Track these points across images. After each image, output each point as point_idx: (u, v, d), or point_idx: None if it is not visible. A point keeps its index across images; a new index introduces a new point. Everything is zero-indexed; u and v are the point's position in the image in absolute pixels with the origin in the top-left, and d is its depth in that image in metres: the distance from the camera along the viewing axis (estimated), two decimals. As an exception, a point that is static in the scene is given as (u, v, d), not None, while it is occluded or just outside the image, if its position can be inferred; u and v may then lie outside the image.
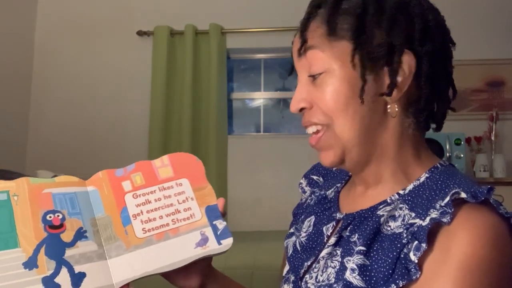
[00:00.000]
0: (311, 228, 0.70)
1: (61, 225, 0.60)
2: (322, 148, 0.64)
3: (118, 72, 3.23)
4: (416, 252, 0.51)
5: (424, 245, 0.51)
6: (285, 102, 3.40)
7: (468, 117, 2.99)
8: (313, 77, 0.62)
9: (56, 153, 3.12)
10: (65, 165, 2.95)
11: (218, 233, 0.65)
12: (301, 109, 0.64)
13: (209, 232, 0.65)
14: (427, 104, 0.62)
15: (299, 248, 0.70)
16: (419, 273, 0.51)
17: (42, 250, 0.58)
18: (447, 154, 2.70)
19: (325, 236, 0.66)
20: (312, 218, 0.72)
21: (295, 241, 0.72)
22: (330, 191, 0.74)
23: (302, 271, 0.67)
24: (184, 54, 3.13)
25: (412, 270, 0.51)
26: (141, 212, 0.65)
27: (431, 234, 0.52)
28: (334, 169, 0.79)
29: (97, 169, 0.70)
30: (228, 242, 0.64)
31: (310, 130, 0.64)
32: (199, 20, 3.17)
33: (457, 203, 0.53)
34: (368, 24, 0.60)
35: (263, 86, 3.40)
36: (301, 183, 0.82)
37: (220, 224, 0.66)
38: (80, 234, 0.61)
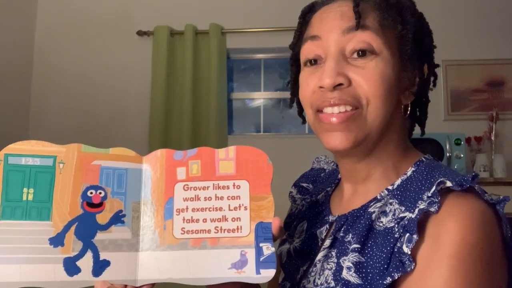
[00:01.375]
0: (304, 233, 0.70)
1: (100, 204, 0.57)
2: (345, 128, 0.60)
3: (118, 72, 3.23)
4: (409, 244, 0.52)
5: (415, 236, 0.52)
6: (285, 102, 3.40)
7: (468, 117, 2.98)
8: (359, 54, 0.60)
9: (56, 153, 3.12)
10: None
11: (261, 259, 0.56)
12: (337, 86, 0.60)
13: (251, 254, 0.56)
14: (422, 106, 0.69)
15: (293, 254, 0.70)
16: (413, 264, 0.52)
17: (73, 228, 0.55)
18: (447, 154, 2.70)
19: (319, 239, 0.66)
20: (305, 223, 0.72)
21: (289, 248, 0.71)
22: (320, 195, 0.74)
23: (298, 276, 0.66)
24: (184, 54, 3.13)
25: (406, 262, 0.52)
26: (186, 208, 0.59)
27: (421, 225, 0.53)
28: (322, 174, 0.80)
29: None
30: (268, 274, 0.55)
31: (338, 109, 0.60)
32: (199, 20, 3.17)
33: (443, 192, 0.54)
34: (411, 26, 0.63)
35: (263, 86, 3.40)
36: (291, 192, 0.81)
37: (267, 249, 0.56)
38: (117, 218, 0.57)
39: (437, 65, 0.70)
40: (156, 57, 3.14)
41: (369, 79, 0.59)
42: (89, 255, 0.55)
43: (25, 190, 0.55)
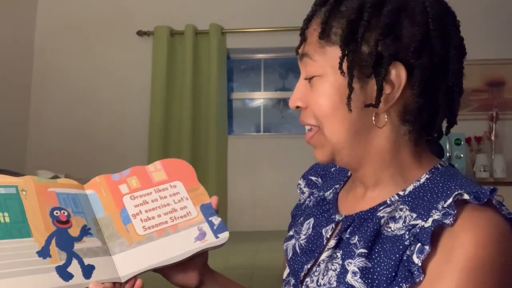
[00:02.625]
0: (310, 230, 0.70)
1: (67, 221, 0.63)
2: (314, 145, 0.66)
3: (118, 72, 3.23)
4: (420, 255, 0.51)
5: (427, 247, 0.51)
6: (285, 102, 3.40)
7: (468, 117, 2.98)
8: (309, 80, 0.63)
9: (56, 153, 3.12)
10: (65, 165, 2.95)
11: (215, 228, 0.69)
12: (297, 107, 0.66)
13: (206, 227, 0.69)
14: (421, 115, 0.60)
15: (298, 251, 0.70)
16: (422, 275, 0.51)
17: (53, 242, 0.60)
18: (447, 154, 2.70)
19: (324, 238, 0.66)
20: (311, 220, 0.71)
21: (295, 244, 0.71)
22: (328, 192, 0.74)
23: (302, 274, 0.66)
24: (184, 54, 3.13)
25: (415, 272, 0.51)
26: (140, 211, 0.69)
27: (433, 236, 0.52)
28: (332, 169, 0.79)
29: (98, 169, 0.71)
30: (225, 235, 0.69)
31: (307, 128, 0.66)
32: (199, 20, 3.17)
33: (460, 204, 0.53)
34: (360, 31, 0.57)
35: (263, 86, 3.40)
36: (299, 184, 0.81)
37: (216, 220, 0.70)
38: (85, 231, 0.64)
39: (433, 61, 0.59)
40: (156, 57, 3.14)
41: (314, 102, 0.62)
42: (75, 262, 0.60)
43: (0, 214, 0.59)
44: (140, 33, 3.22)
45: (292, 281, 0.68)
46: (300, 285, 0.66)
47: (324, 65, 0.60)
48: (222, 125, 3.10)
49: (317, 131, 0.64)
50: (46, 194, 0.64)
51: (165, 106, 3.08)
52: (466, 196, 0.52)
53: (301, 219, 0.74)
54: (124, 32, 3.25)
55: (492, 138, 2.88)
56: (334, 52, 0.59)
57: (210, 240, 0.68)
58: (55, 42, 3.28)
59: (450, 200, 0.53)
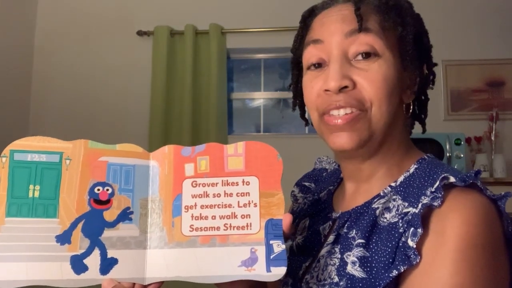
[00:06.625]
0: (306, 229, 0.71)
1: (107, 201, 0.56)
2: (349, 129, 0.61)
3: (118, 72, 3.23)
4: (414, 238, 0.52)
5: (419, 230, 0.52)
6: (285, 102, 3.40)
7: (468, 117, 2.98)
8: (363, 56, 0.61)
9: (56, 153, 3.12)
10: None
11: (272, 256, 0.55)
12: (342, 88, 0.60)
13: (261, 252, 0.55)
14: (421, 108, 0.70)
15: (296, 251, 0.70)
16: (419, 257, 0.52)
17: (80, 226, 0.54)
18: (447, 154, 2.70)
19: (322, 235, 0.67)
20: (307, 220, 0.72)
21: (292, 244, 0.72)
22: (323, 193, 0.75)
23: (301, 272, 0.67)
24: (184, 54, 3.13)
25: (411, 255, 0.52)
26: (195, 205, 0.58)
27: (425, 219, 0.54)
28: (324, 174, 0.81)
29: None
30: (279, 271, 0.54)
31: (344, 111, 0.61)
32: (199, 20, 3.17)
33: (447, 187, 0.55)
34: (410, 27, 0.64)
35: (263, 86, 3.40)
36: (293, 191, 0.82)
37: (278, 246, 0.55)
38: (125, 215, 0.56)
39: (436, 64, 0.71)
40: (156, 57, 3.14)
41: (372, 82, 0.60)
42: (96, 252, 0.54)
43: (31, 187, 0.54)
44: (140, 33, 3.22)
45: (290, 281, 0.69)
46: (299, 283, 0.66)
47: (385, 46, 0.62)
48: (222, 125, 3.10)
49: (359, 114, 0.61)
50: (94, 165, 0.57)
51: (165, 106, 3.08)
52: (452, 179, 0.54)
53: (296, 221, 0.75)
54: (124, 32, 3.25)
55: (492, 138, 2.88)
56: (393, 38, 0.63)
57: (259, 271, 0.54)
58: (55, 42, 3.28)
59: (437, 183, 0.55)
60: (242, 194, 0.58)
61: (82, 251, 0.53)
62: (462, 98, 3.02)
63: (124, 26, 3.25)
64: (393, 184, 0.63)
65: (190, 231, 0.57)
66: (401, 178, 0.63)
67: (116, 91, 3.22)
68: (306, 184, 0.81)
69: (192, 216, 0.57)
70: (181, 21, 3.16)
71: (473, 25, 3.06)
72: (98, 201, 0.56)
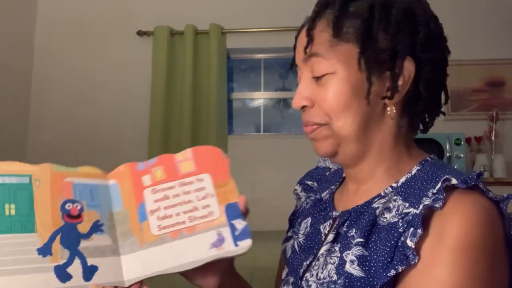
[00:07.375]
0: (308, 228, 0.71)
1: (78, 216, 0.60)
2: (316, 139, 0.66)
3: (118, 72, 3.23)
4: (413, 238, 0.53)
5: (419, 230, 0.52)
6: (285, 102, 3.40)
7: (468, 117, 2.99)
8: (317, 78, 0.64)
9: (56, 153, 3.12)
10: (65, 165, 2.94)
11: (236, 233, 0.61)
12: (303, 107, 0.66)
13: (226, 232, 0.61)
14: (425, 107, 0.66)
15: (297, 249, 0.71)
16: (417, 258, 0.52)
17: (58, 238, 0.57)
18: (447, 154, 2.70)
19: (322, 234, 0.67)
20: (309, 219, 0.73)
21: (293, 243, 0.72)
22: (324, 193, 0.75)
23: (302, 270, 0.67)
24: (184, 54, 3.13)
25: (410, 256, 0.53)
26: (159, 208, 0.63)
27: (425, 220, 0.54)
28: (327, 173, 0.81)
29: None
30: (245, 244, 0.60)
31: (308, 126, 0.66)
32: (199, 20, 3.17)
33: (448, 189, 0.55)
34: (375, 29, 0.62)
35: (263, 86, 3.40)
36: (295, 189, 0.83)
37: (239, 224, 0.62)
38: (96, 227, 0.60)
39: (434, 58, 0.65)
40: (156, 57, 3.14)
41: (326, 99, 0.63)
42: (77, 261, 0.57)
43: (6, 206, 0.56)
44: (140, 33, 3.22)
45: (291, 279, 0.69)
46: (300, 281, 0.67)
47: (336, 63, 0.62)
48: (222, 125, 3.10)
49: (318, 127, 0.65)
50: (62, 185, 0.61)
51: (165, 106, 3.08)
52: (454, 181, 0.55)
53: (299, 220, 0.75)
54: (124, 32, 3.25)
55: (492, 138, 2.88)
56: (348, 50, 0.62)
57: (228, 248, 0.60)
58: (55, 42, 3.28)
59: (439, 185, 0.55)
60: (199, 190, 0.64)
61: (64, 261, 0.56)
62: (462, 98, 3.02)
63: (124, 26, 3.25)
64: (394, 185, 0.64)
65: (159, 230, 0.62)
66: (402, 179, 0.64)
67: (116, 91, 3.22)
68: (309, 183, 0.82)
69: (158, 217, 0.63)
70: (181, 21, 3.16)
71: (473, 25, 3.06)
72: (71, 216, 0.59)
